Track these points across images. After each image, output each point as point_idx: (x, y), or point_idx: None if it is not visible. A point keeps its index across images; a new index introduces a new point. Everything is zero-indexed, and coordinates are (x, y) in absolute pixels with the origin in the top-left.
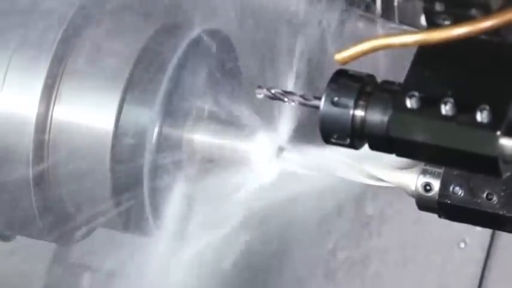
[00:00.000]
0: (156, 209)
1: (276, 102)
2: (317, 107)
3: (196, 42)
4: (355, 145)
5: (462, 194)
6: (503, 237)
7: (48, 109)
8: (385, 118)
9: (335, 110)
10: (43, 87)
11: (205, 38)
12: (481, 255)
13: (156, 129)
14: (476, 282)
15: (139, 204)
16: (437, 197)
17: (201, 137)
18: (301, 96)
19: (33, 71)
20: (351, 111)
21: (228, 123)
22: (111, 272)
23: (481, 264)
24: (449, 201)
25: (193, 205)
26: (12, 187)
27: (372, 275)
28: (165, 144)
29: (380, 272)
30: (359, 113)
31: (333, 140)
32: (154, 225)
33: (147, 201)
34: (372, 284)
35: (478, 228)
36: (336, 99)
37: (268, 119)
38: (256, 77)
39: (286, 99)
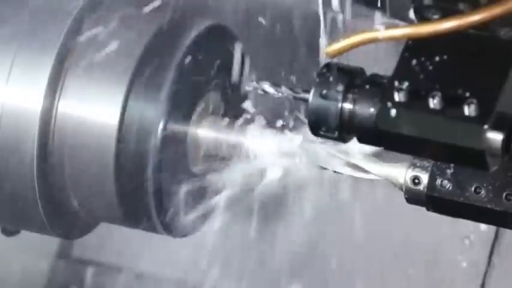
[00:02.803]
0: (160, 203)
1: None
2: (306, 100)
3: (202, 38)
4: (343, 138)
5: (450, 188)
6: (508, 234)
7: (53, 103)
8: (374, 111)
9: (324, 103)
10: (48, 81)
11: (210, 33)
12: (485, 253)
13: (161, 124)
14: (480, 279)
15: (143, 199)
16: (425, 190)
17: (206, 132)
18: (290, 89)
19: (39, 65)
20: (340, 104)
21: (233, 118)
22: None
23: (485, 261)
24: (437, 195)
25: (197, 200)
26: (17, 181)
27: (375, 272)
28: (169, 138)
29: (383, 268)
30: (347, 106)
31: (322, 133)
32: (158, 220)
33: (151, 195)
34: (375, 280)
35: (483, 226)
36: (324, 92)
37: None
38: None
39: (275, 92)
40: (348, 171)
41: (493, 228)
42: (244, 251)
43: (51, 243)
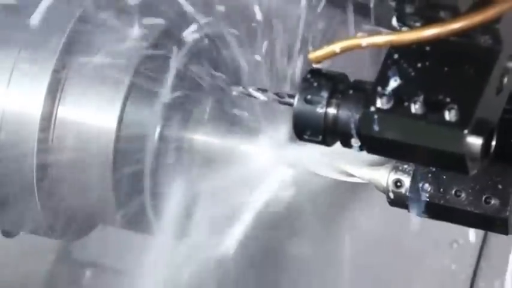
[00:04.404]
0: (157, 207)
1: None
2: (291, 105)
3: (198, 44)
4: (327, 142)
5: (432, 190)
6: (496, 238)
7: (52, 108)
8: (357, 116)
9: (308, 108)
10: (48, 86)
11: (206, 40)
12: (474, 256)
13: (158, 129)
14: (468, 282)
15: (140, 202)
16: (407, 193)
17: (202, 137)
18: (275, 93)
19: (38, 71)
20: (324, 109)
21: (229, 123)
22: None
23: (473, 264)
24: (418, 197)
25: (193, 204)
26: (17, 184)
27: (363, 276)
28: (166, 143)
29: (371, 272)
30: (331, 110)
31: (306, 137)
32: (155, 223)
33: (148, 199)
34: (362, 284)
35: (471, 229)
36: (309, 97)
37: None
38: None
39: (260, 97)
40: (331, 174)
41: (481, 231)
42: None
43: (50, 245)
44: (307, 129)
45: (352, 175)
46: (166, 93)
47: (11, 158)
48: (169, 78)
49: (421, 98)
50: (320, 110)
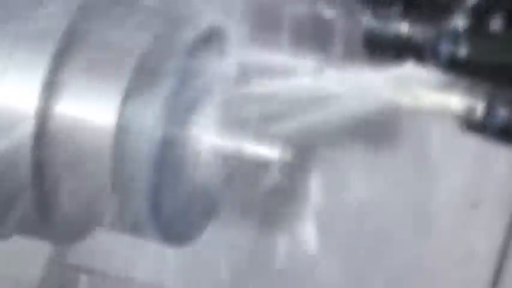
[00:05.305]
0: (158, 210)
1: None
2: (361, 23)
3: (203, 38)
4: (400, 62)
5: (508, 114)
6: None
7: (48, 103)
8: (432, 34)
9: (380, 24)
10: (43, 81)
11: (212, 33)
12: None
13: (161, 126)
14: None
15: (140, 205)
16: (481, 118)
17: (206, 137)
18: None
19: (33, 64)
20: (397, 26)
21: (235, 122)
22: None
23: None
24: (494, 122)
25: (196, 208)
26: (9, 184)
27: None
28: (169, 141)
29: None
30: (404, 27)
31: (378, 57)
32: (155, 228)
33: (148, 202)
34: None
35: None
36: (380, 12)
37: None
38: None
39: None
40: (397, 97)
41: (499, 242)
42: None
43: (43, 248)
44: (378, 48)
45: (420, 99)
46: (167, 90)
47: (4, 156)
48: (171, 74)
49: (501, 12)
50: (393, 26)
